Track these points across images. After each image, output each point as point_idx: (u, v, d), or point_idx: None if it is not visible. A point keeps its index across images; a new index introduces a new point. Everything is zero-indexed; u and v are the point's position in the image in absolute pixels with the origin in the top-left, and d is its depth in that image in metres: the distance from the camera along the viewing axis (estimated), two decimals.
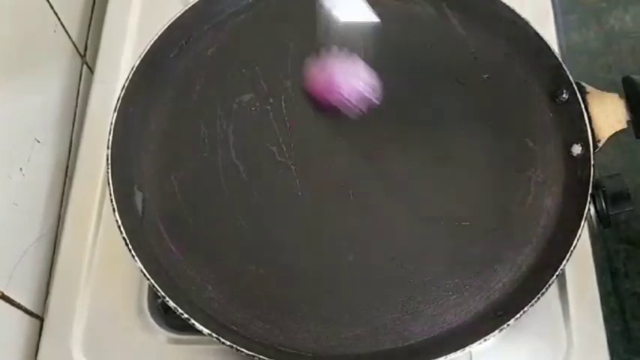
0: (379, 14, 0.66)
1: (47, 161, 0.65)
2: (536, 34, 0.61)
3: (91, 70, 0.73)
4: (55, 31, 0.67)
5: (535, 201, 0.58)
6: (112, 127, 0.56)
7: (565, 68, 0.59)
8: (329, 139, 0.61)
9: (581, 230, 0.53)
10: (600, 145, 0.57)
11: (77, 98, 0.71)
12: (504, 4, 0.62)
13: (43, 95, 0.65)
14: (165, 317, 0.60)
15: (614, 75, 0.60)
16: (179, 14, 0.62)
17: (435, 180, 0.59)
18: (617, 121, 0.57)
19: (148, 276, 0.51)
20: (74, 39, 0.70)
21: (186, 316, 0.50)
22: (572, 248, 0.52)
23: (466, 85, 0.63)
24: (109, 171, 0.55)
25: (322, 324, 0.54)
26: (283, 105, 0.63)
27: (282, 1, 0.67)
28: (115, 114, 0.57)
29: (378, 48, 0.64)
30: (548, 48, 0.60)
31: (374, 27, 0.58)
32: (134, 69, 0.59)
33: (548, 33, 0.69)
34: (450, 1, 0.66)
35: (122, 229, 0.53)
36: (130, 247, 0.52)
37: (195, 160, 0.60)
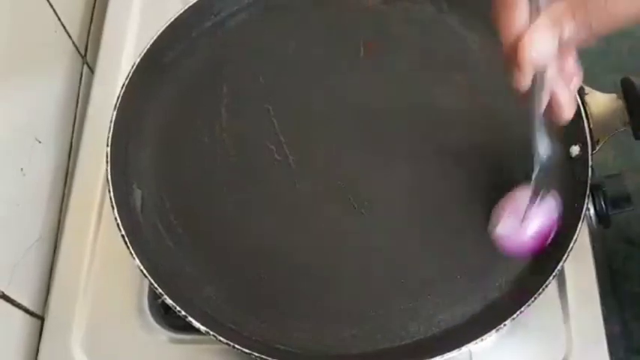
0: (379, 14, 0.66)
1: (48, 161, 0.65)
2: None
3: (92, 70, 0.73)
4: (55, 32, 0.67)
5: None
6: (112, 125, 0.57)
7: None
8: (329, 138, 0.62)
9: (579, 231, 0.53)
10: (599, 146, 0.57)
11: (78, 98, 0.71)
12: None
13: (43, 95, 0.66)
14: (166, 317, 0.60)
15: (614, 76, 0.60)
16: (179, 13, 0.62)
17: (432, 180, 0.60)
18: (616, 123, 0.57)
19: (146, 273, 0.51)
20: (75, 39, 0.71)
21: (184, 313, 0.50)
22: (569, 249, 0.52)
23: (465, 86, 0.63)
24: (109, 169, 0.55)
25: (320, 323, 0.54)
26: (283, 103, 0.63)
27: (281, 1, 0.67)
28: (115, 112, 0.57)
29: (379, 48, 0.64)
30: None
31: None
32: (134, 68, 0.59)
33: None
34: (450, 1, 0.66)
35: (121, 226, 0.53)
36: (129, 244, 0.52)
37: (195, 158, 0.61)
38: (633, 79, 0.56)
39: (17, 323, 0.58)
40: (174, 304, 0.50)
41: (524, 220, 0.53)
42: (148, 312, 0.60)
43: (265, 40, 0.66)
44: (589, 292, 0.59)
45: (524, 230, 0.54)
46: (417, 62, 0.65)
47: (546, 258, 0.55)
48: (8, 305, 0.56)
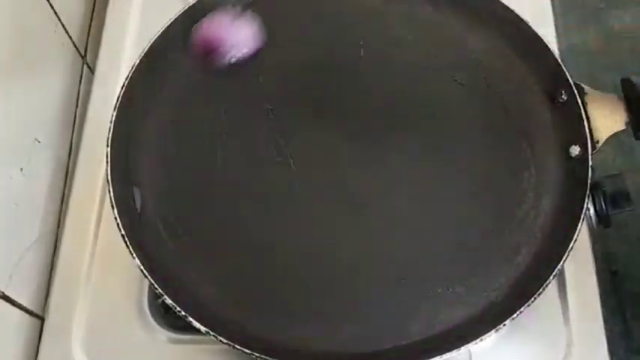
0: (378, 14, 0.66)
1: (47, 161, 0.65)
2: (536, 35, 0.61)
3: (92, 70, 0.73)
4: (55, 32, 0.67)
5: (533, 201, 0.58)
6: (112, 125, 0.57)
7: (564, 69, 0.59)
8: (329, 138, 0.62)
9: (579, 231, 0.53)
10: (598, 146, 0.57)
11: (78, 98, 0.72)
12: (504, 5, 0.62)
13: (43, 95, 0.66)
14: (166, 317, 0.60)
15: (614, 75, 0.60)
16: (179, 13, 0.62)
17: (433, 180, 0.59)
18: (616, 123, 0.57)
19: (146, 273, 0.51)
20: (75, 39, 0.71)
21: (184, 313, 0.50)
22: (569, 249, 0.52)
23: (465, 86, 0.63)
24: (109, 169, 0.55)
25: (320, 323, 0.55)
26: (283, 104, 0.63)
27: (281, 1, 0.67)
28: (115, 112, 0.57)
29: (379, 47, 0.64)
30: (548, 49, 0.60)
31: None
32: (134, 68, 0.59)
33: (548, 33, 0.69)
34: (449, 1, 0.66)
35: (121, 226, 0.53)
36: (129, 244, 0.52)
37: (195, 159, 0.61)
38: (633, 79, 0.56)
39: (17, 323, 0.58)
40: (174, 304, 0.50)
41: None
42: (147, 312, 0.60)
43: (265, 39, 0.66)
44: (589, 292, 0.59)
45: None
46: (417, 62, 0.65)
47: (546, 257, 0.55)
48: (8, 305, 0.56)
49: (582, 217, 0.54)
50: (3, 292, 0.55)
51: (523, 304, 0.51)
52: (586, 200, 0.55)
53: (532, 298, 0.51)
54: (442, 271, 0.56)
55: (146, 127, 0.62)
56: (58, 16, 0.67)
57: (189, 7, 0.63)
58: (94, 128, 0.67)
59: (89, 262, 0.62)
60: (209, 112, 0.62)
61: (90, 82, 0.71)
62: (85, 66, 0.73)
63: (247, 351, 0.49)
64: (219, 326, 0.52)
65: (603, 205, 0.59)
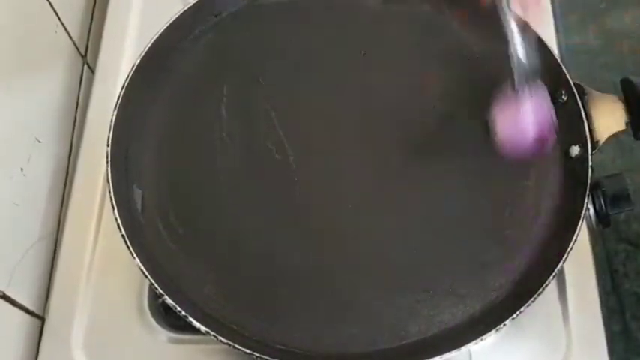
0: (379, 14, 0.66)
1: (48, 161, 0.65)
2: (536, 35, 0.61)
3: (92, 70, 0.73)
4: (56, 32, 0.67)
5: (533, 201, 0.59)
6: (112, 125, 0.57)
7: (564, 69, 0.59)
8: (329, 138, 0.62)
9: (579, 231, 0.53)
10: (598, 146, 0.57)
11: (78, 98, 0.72)
12: None
13: (44, 95, 0.66)
14: (166, 317, 0.60)
15: (614, 76, 0.60)
16: (179, 13, 0.62)
17: (432, 180, 0.59)
18: (616, 123, 0.57)
19: (147, 273, 0.51)
20: (75, 39, 0.71)
21: (184, 313, 0.50)
22: (569, 249, 0.52)
23: (465, 86, 0.63)
24: (109, 169, 0.55)
25: (320, 323, 0.55)
26: (283, 104, 0.63)
27: (281, 1, 0.67)
28: (115, 112, 0.57)
29: (379, 48, 0.64)
30: (547, 49, 0.60)
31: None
32: (134, 68, 0.59)
33: (548, 34, 0.69)
34: (448, 1, 0.66)
35: (121, 226, 0.53)
36: (129, 244, 0.52)
37: (195, 158, 0.61)
38: (633, 79, 0.56)
39: (17, 323, 0.58)
40: (174, 304, 0.50)
41: (520, 115, 0.55)
42: (148, 312, 0.60)
43: (265, 40, 0.66)
44: (589, 292, 0.59)
45: (523, 125, 0.55)
46: (417, 63, 0.65)
47: (546, 257, 0.55)
48: (8, 305, 0.56)
49: (582, 217, 0.54)
50: (3, 292, 0.55)
51: (523, 304, 0.51)
52: (586, 200, 0.55)
53: (532, 298, 0.51)
54: (442, 272, 0.56)
55: (146, 127, 0.62)
56: (58, 16, 0.67)
57: (189, 7, 0.63)
58: (94, 128, 0.67)
59: (89, 262, 0.62)
60: (209, 111, 0.62)
61: (90, 81, 0.71)
62: (86, 66, 0.73)
63: (247, 351, 0.49)
64: (219, 326, 0.53)
65: (603, 205, 0.59)
